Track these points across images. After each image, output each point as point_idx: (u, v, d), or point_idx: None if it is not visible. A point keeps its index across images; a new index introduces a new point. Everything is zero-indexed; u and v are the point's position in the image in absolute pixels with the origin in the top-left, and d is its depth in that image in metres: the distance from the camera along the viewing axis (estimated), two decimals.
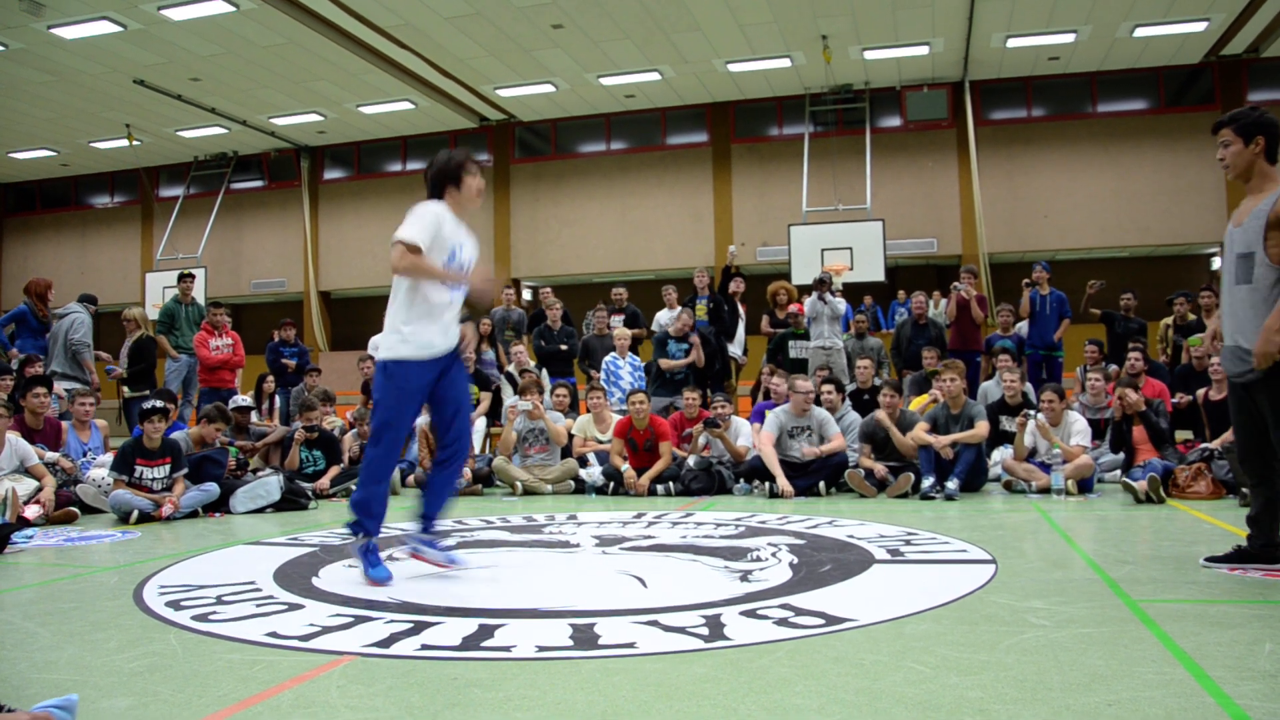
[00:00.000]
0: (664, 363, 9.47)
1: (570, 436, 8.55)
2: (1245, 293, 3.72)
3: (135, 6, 12.74)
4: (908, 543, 4.92)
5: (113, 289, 20.22)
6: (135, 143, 18.50)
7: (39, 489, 6.67)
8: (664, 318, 10.53)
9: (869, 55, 15.19)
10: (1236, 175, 3.80)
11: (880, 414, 7.74)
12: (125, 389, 9.55)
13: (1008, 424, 7.86)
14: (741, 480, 7.76)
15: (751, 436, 8.06)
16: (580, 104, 17.51)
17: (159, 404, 7.04)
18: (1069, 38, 14.50)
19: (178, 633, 3.28)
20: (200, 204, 19.88)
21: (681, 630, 3.13)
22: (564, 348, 10.70)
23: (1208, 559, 4.09)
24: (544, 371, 10.53)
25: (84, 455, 7.84)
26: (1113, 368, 9.97)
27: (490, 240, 18.76)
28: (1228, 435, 7.03)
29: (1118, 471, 7.69)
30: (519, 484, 8.03)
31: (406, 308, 4.00)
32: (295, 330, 11.87)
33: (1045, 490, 7.06)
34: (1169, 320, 10.35)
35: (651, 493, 7.71)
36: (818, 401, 7.93)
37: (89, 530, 6.26)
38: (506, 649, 2.96)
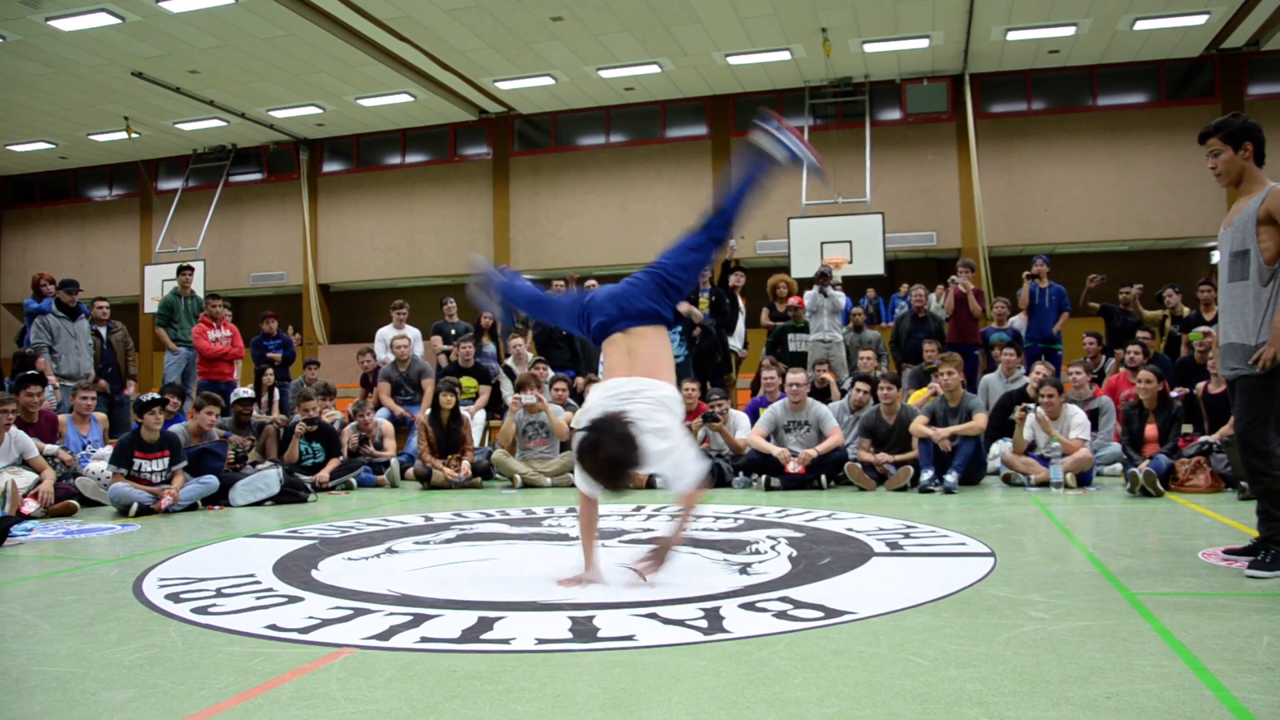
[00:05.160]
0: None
1: (571, 430, 8.55)
2: (1239, 289, 3.82)
3: None
4: (907, 536, 4.93)
5: (112, 282, 20.18)
6: (134, 135, 18.43)
7: (38, 481, 6.68)
8: None
9: (869, 48, 15.15)
10: (1229, 182, 3.90)
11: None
12: None
13: None
14: (740, 473, 7.76)
15: (750, 430, 8.06)
16: (579, 97, 17.46)
17: (159, 397, 7.05)
18: (1069, 31, 14.46)
19: (177, 625, 3.29)
20: (199, 197, 19.82)
21: (681, 623, 3.14)
22: (565, 332, 10.71)
23: (1227, 551, 4.11)
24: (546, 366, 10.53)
25: (83, 448, 7.84)
26: (1111, 361, 9.98)
27: (489, 234, 18.73)
28: (1226, 429, 7.04)
29: (1117, 465, 7.70)
30: (518, 477, 8.04)
31: None
32: (278, 322, 11.84)
33: (1044, 484, 7.07)
34: (1164, 312, 10.35)
35: (650, 486, 7.72)
36: (825, 397, 7.93)
37: (88, 523, 6.27)
38: (506, 641, 2.97)
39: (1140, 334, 9.21)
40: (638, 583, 3.77)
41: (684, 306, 10.42)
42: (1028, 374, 9.43)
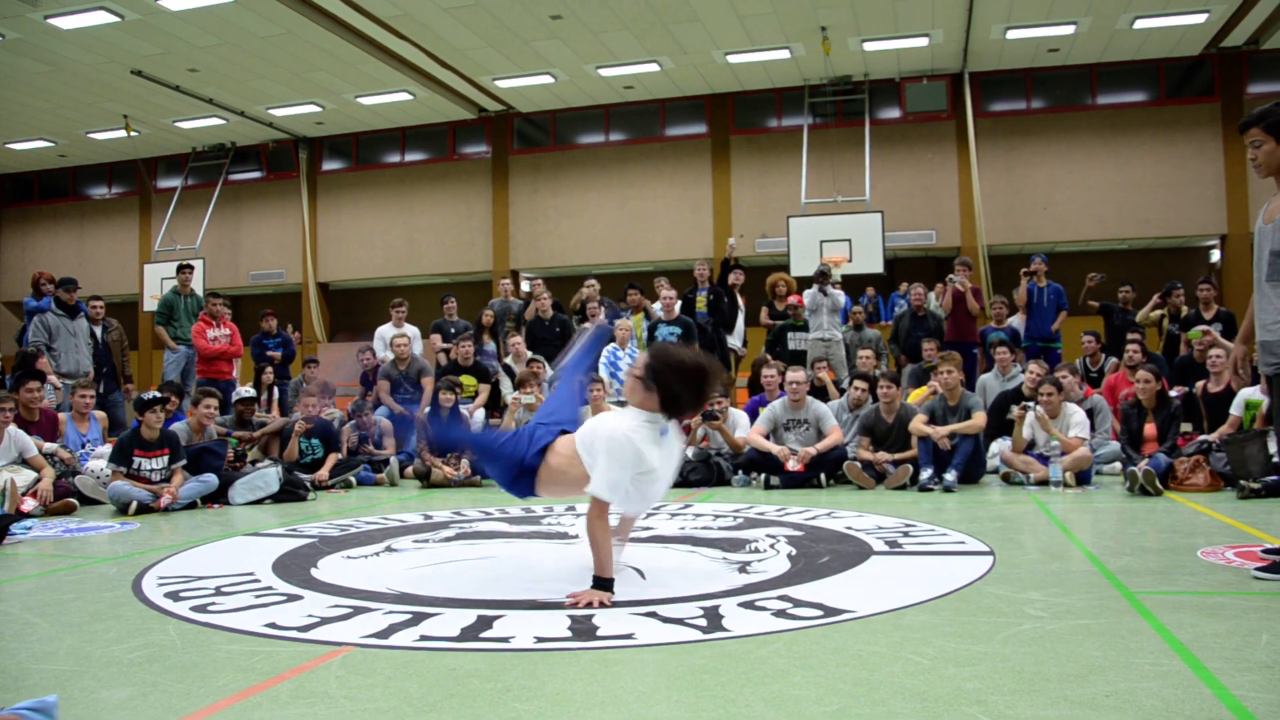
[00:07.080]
0: None
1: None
2: (1270, 289, 3.66)
3: None
4: (906, 534, 4.93)
5: (111, 280, 20.17)
6: (133, 134, 18.42)
7: (37, 480, 6.68)
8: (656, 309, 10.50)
9: (868, 46, 15.14)
10: (1269, 174, 3.71)
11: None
12: None
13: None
14: (740, 472, 7.76)
15: (749, 429, 8.06)
16: (579, 95, 17.45)
17: (160, 395, 7.05)
18: (1069, 29, 14.46)
19: (177, 624, 3.28)
20: (198, 195, 19.81)
21: (680, 621, 3.14)
22: (558, 329, 10.72)
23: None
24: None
25: (82, 446, 7.84)
26: (1112, 360, 9.99)
27: (488, 232, 18.72)
28: (1225, 428, 7.04)
29: (1116, 464, 7.70)
30: None
31: None
32: (277, 321, 11.84)
33: (1043, 482, 7.07)
34: (1163, 311, 10.34)
35: None
36: (822, 396, 7.93)
37: (87, 521, 6.26)
38: (505, 640, 2.96)
39: (1130, 335, 9.21)
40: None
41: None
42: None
